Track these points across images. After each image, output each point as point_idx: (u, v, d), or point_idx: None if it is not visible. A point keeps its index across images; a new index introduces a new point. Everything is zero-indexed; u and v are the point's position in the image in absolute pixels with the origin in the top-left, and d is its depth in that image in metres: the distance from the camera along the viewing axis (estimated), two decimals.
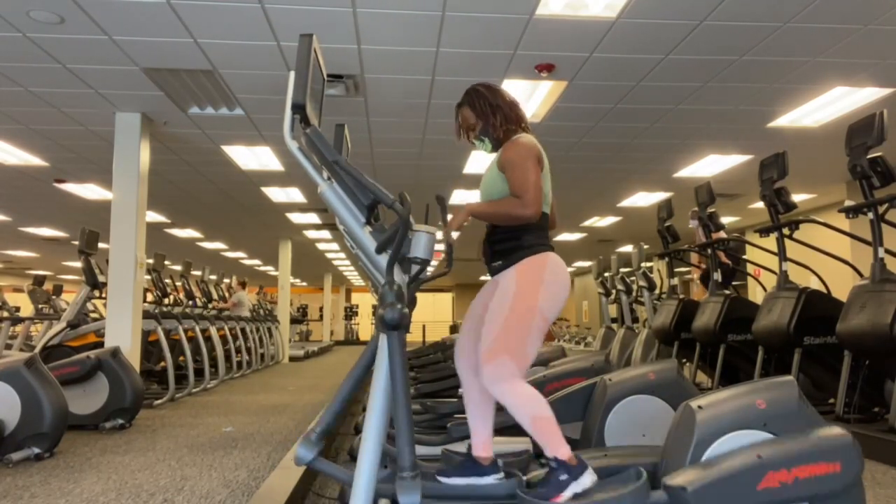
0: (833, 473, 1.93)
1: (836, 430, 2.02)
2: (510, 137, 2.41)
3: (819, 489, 1.93)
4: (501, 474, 2.30)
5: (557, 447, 2.07)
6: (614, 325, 9.13)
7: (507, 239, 2.28)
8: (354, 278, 25.39)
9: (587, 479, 2.04)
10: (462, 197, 9.91)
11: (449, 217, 2.31)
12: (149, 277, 7.72)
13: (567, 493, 2.01)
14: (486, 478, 2.27)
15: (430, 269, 2.08)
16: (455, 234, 2.29)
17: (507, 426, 3.19)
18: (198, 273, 10.26)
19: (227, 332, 8.72)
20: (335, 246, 15.90)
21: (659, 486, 2.02)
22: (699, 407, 2.11)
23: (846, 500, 1.97)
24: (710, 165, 8.16)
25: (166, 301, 8.42)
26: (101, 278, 6.26)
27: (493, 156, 2.48)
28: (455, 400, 4.05)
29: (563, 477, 2.03)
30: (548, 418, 2.09)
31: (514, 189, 2.25)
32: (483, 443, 2.34)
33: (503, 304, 2.20)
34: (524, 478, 2.24)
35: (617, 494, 1.98)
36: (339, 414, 1.91)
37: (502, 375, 2.11)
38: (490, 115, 2.40)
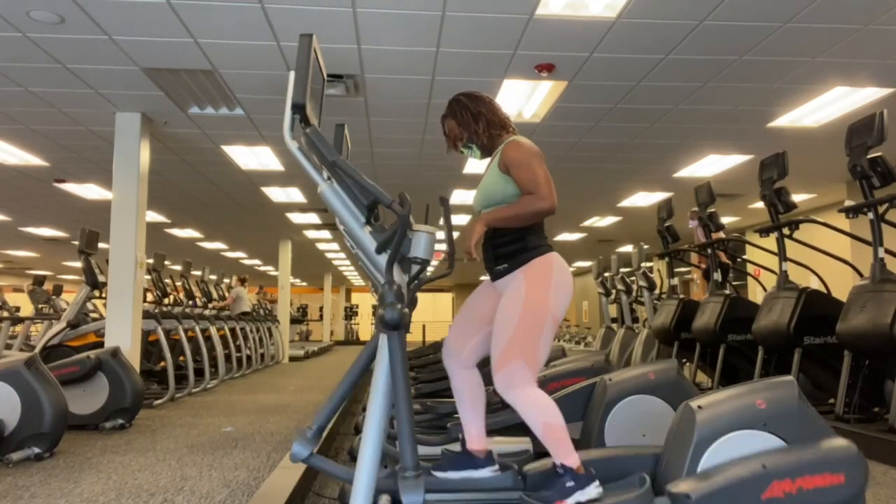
0: (838, 485, 1.92)
1: (841, 442, 2.02)
2: (497, 142, 2.44)
3: (823, 500, 1.92)
4: (496, 467, 2.30)
5: (567, 455, 2.07)
6: (614, 325, 9.13)
7: (512, 241, 2.28)
8: (354, 278, 25.39)
9: (592, 491, 2.04)
10: (462, 197, 9.91)
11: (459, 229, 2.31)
12: (149, 277, 7.72)
13: (570, 501, 2.01)
14: (482, 470, 2.28)
15: (429, 270, 2.07)
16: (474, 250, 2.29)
17: (507, 426, 3.20)
18: (198, 273, 10.27)
19: (227, 332, 8.72)
20: (335, 246, 15.91)
21: (661, 489, 2.02)
22: (699, 407, 2.11)
23: None
24: (710, 165, 8.16)
25: (166, 301, 8.42)
26: (101, 278, 6.26)
27: (487, 161, 2.50)
28: (455, 400, 4.04)
29: (570, 484, 2.03)
30: (559, 426, 2.09)
31: (527, 186, 2.25)
32: (476, 436, 2.34)
33: (514, 308, 2.19)
34: (520, 470, 2.25)
35: (620, 500, 1.97)
36: (335, 412, 1.91)
37: (516, 381, 2.12)
38: (473, 123, 2.43)
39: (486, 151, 2.49)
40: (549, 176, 2.27)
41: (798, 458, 1.97)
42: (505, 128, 2.46)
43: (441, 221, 2.25)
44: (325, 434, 1.92)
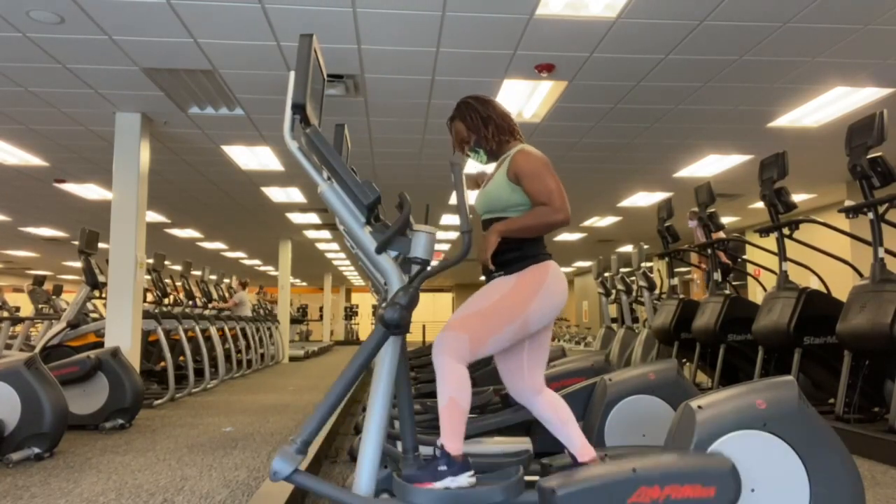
0: (706, 498, 1.90)
1: (718, 457, 2.00)
2: (505, 148, 2.42)
3: None
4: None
5: (453, 439, 2.04)
6: (614, 325, 9.13)
7: (510, 249, 2.27)
8: (354, 278, 25.40)
9: (464, 479, 2.01)
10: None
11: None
12: (149, 277, 7.72)
13: (439, 484, 1.98)
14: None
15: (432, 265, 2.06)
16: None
17: (507, 426, 3.20)
18: (198, 273, 10.27)
19: (227, 333, 8.73)
20: (335, 246, 15.91)
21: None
22: (699, 407, 2.11)
23: None
24: (710, 165, 8.17)
25: (166, 301, 8.42)
26: (101, 278, 6.26)
27: (494, 166, 2.48)
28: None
29: (442, 468, 2.01)
30: (462, 409, 2.06)
31: (540, 198, 2.24)
32: (581, 448, 2.27)
33: (495, 293, 2.20)
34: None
35: (488, 489, 1.96)
36: (323, 423, 1.84)
37: (450, 349, 2.09)
38: (482, 128, 2.41)
39: (493, 156, 2.47)
40: (562, 186, 2.27)
41: (670, 466, 1.96)
42: (513, 134, 2.44)
43: (457, 187, 2.17)
44: (310, 447, 1.84)
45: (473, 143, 2.45)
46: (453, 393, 2.06)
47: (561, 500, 1.88)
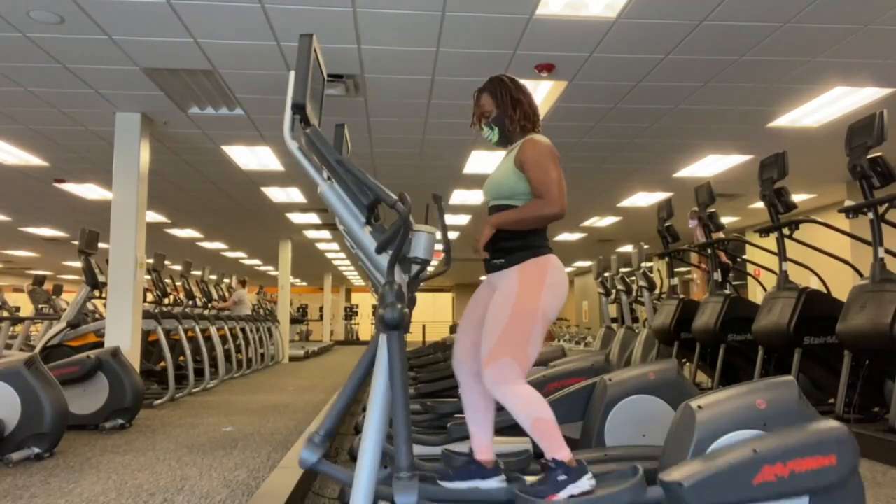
0: (829, 466, 1.94)
1: (830, 423, 2.02)
2: (524, 135, 2.41)
3: (816, 482, 1.94)
4: (503, 477, 2.29)
5: (558, 449, 2.07)
6: (614, 325, 9.13)
7: (513, 237, 2.27)
8: (354, 278, 25.39)
9: (585, 483, 2.03)
10: (462, 197, 9.91)
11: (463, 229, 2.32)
12: (149, 277, 7.72)
13: (563, 494, 2.00)
14: (489, 480, 2.27)
15: (430, 269, 2.07)
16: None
17: (507, 426, 3.20)
18: (198, 273, 10.26)
19: (227, 332, 8.73)
20: (335, 246, 15.90)
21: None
22: (699, 407, 2.11)
23: (845, 493, 1.97)
24: (710, 165, 8.16)
25: (166, 301, 8.42)
26: (101, 278, 6.26)
27: (503, 153, 2.49)
28: (455, 400, 4.04)
29: (562, 477, 2.03)
30: (548, 421, 2.09)
31: (538, 188, 2.25)
32: (484, 447, 2.33)
33: (505, 305, 2.19)
34: (527, 480, 2.24)
35: (614, 491, 1.98)
36: (342, 415, 1.90)
37: (505, 378, 2.11)
38: (510, 107, 2.39)
39: (506, 139, 2.45)
40: (563, 179, 2.27)
41: (788, 441, 1.98)
42: (535, 124, 2.44)
43: (439, 218, 2.24)
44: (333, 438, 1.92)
45: (493, 119, 2.43)
46: (532, 413, 2.09)
47: (688, 491, 1.90)
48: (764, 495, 1.92)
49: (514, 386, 2.11)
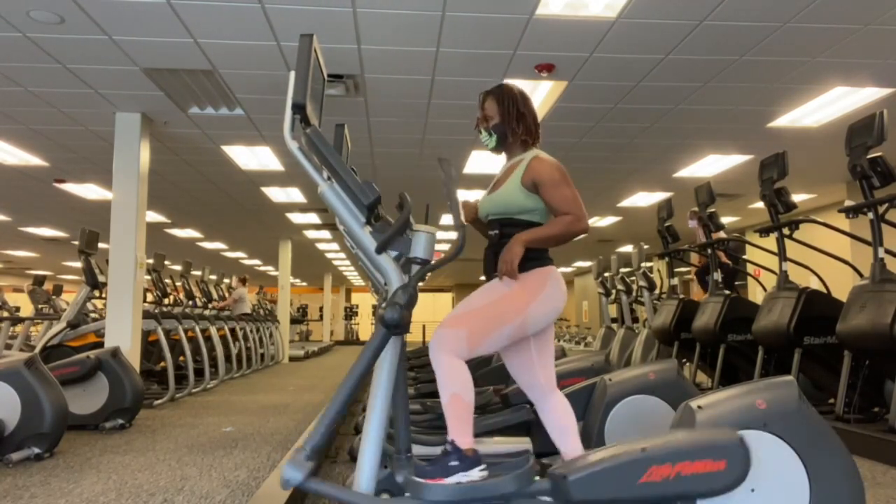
0: (717, 472, 1.93)
1: (725, 430, 2.01)
2: (519, 150, 2.46)
3: (702, 486, 1.93)
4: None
5: (462, 434, 2.06)
6: (614, 325, 9.13)
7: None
8: (354, 278, 25.39)
9: (476, 474, 2.02)
10: (462, 197, 9.86)
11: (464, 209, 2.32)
12: (149, 277, 7.72)
13: (450, 480, 1.98)
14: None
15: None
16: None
17: (507, 426, 3.20)
18: (198, 273, 10.26)
19: (227, 332, 8.72)
20: (335, 246, 15.90)
21: None
22: (699, 407, 2.11)
23: (733, 499, 1.96)
24: (710, 165, 8.16)
25: (166, 301, 8.42)
26: (101, 278, 6.26)
27: (501, 169, 2.50)
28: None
29: (454, 463, 2.02)
30: (466, 403, 2.08)
31: (562, 207, 2.28)
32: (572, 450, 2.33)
33: (495, 292, 2.23)
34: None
35: (500, 480, 1.97)
36: (331, 429, 1.83)
37: (448, 345, 2.10)
38: (514, 120, 2.43)
39: (502, 149, 2.49)
40: (577, 194, 2.31)
41: (679, 443, 1.98)
42: (535, 140, 2.48)
43: (446, 183, 2.15)
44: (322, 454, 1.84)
45: (493, 126, 2.45)
46: (455, 389, 2.08)
47: (572, 485, 1.90)
48: (648, 495, 1.91)
49: (452, 357, 2.09)
